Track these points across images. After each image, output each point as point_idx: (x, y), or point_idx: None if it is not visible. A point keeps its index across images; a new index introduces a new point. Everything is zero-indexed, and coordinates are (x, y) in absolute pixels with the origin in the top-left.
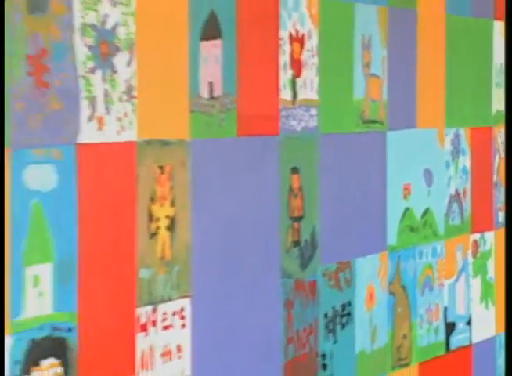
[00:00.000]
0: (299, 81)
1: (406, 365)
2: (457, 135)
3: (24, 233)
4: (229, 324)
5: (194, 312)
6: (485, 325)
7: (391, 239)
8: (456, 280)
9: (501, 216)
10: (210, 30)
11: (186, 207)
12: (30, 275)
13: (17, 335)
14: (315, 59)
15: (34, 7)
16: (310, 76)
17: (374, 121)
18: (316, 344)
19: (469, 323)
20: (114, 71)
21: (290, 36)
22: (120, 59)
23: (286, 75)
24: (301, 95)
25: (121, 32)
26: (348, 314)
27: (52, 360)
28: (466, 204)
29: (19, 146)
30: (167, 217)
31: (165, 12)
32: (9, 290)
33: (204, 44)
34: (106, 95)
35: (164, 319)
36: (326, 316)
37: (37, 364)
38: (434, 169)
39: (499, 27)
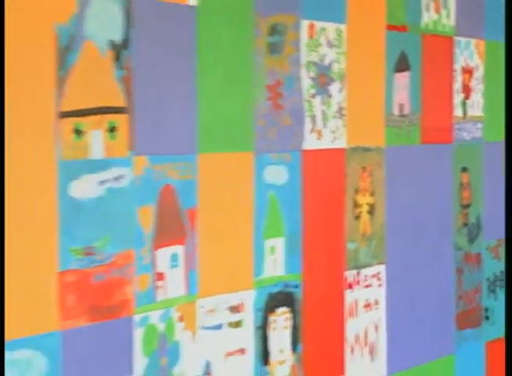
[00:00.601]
0: (468, 102)
1: None
2: None
3: (264, 216)
4: (414, 285)
5: (388, 275)
6: None
7: None
8: None
9: None
10: (401, 64)
11: (382, 197)
12: (269, 246)
13: (259, 290)
14: (481, 86)
15: (272, 50)
16: (477, 98)
17: None
18: (481, 300)
19: None
20: (329, 96)
21: (462, 68)
22: (334, 87)
23: (458, 98)
24: (469, 113)
25: (335, 67)
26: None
27: (284, 309)
28: None
29: (260, 152)
30: (367, 204)
31: (367, 52)
32: (253, 256)
33: (397, 75)
34: (324, 113)
35: (365, 280)
36: (488, 279)
37: (273, 311)
38: None
39: None
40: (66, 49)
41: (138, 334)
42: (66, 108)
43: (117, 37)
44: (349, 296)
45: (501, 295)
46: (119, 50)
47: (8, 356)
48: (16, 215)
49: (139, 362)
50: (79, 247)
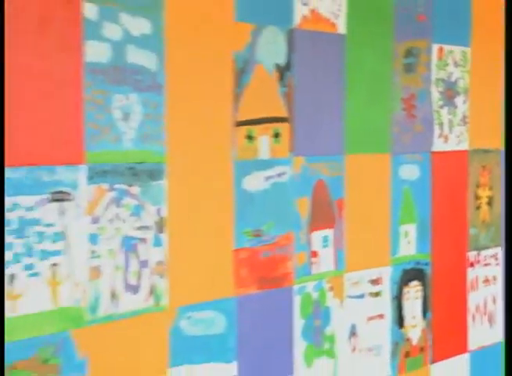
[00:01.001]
0: None
1: None
2: None
3: (399, 205)
4: None
5: (505, 255)
6: None
7: None
8: None
9: None
10: None
11: (499, 191)
12: (403, 231)
13: (395, 266)
14: None
15: (408, 69)
16: None
17: None
18: None
19: None
20: (455, 107)
21: None
22: (459, 100)
23: None
24: None
25: (460, 83)
26: None
27: (415, 282)
28: None
29: (397, 153)
30: (487, 197)
31: (487, 70)
32: (390, 239)
33: None
34: (450, 121)
35: (484, 260)
36: None
37: (406, 284)
38: None
39: None
40: (242, 71)
41: (297, 301)
42: (241, 118)
43: (282, 61)
44: (471, 273)
45: None
46: (283, 71)
47: (196, 315)
48: (201, 205)
49: (297, 322)
50: (250, 229)
